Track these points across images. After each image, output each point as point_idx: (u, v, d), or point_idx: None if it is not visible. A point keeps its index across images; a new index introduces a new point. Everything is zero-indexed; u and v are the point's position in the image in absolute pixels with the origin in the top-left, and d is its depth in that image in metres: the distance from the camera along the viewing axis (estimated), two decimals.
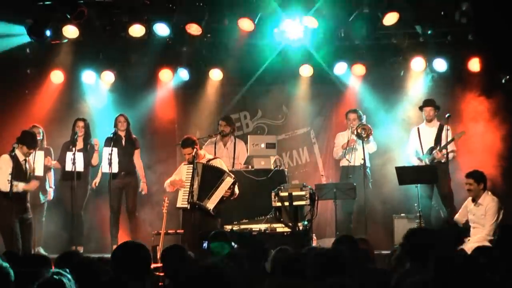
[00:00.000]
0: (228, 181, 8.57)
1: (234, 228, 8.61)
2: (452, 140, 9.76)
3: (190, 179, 8.53)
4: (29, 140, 8.70)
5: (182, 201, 8.60)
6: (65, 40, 10.40)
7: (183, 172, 8.72)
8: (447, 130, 9.74)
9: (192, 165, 8.55)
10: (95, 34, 10.42)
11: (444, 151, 9.79)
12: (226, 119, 10.52)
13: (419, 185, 9.54)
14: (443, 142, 9.87)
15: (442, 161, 9.87)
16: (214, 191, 8.49)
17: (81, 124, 10.22)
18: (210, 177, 8.55)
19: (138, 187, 10.31)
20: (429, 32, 10.25)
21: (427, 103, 10.23)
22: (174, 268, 5.25)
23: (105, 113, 10.95)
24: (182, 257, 5.39)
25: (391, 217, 10.32)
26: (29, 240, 8.80)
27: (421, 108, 10.25)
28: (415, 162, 10.14)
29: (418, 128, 10.30)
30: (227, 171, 8.79)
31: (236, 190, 8.73)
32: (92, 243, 10.55)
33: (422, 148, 10.19)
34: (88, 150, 10.19)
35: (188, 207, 8.52)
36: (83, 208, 10.24)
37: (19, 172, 8.63)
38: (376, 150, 10.51)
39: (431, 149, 10.03)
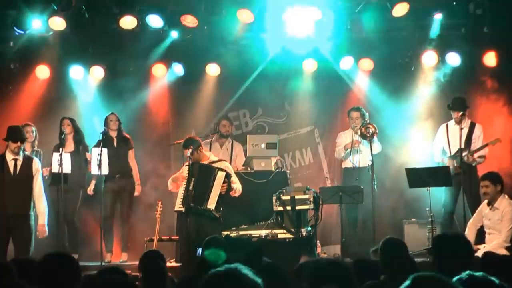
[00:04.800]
0: (220, 175, 8.31)
1: (232, 234, 8.46)
2: (485, 146, 9.59)
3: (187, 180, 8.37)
4: (12, 134, 8.40)
5: (179, 204, 8.35)
6: (51, 33, 10.18)
7: (185, 173, 8.52)
8: (480, 132, 9.66)
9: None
10: (83, 26, 10.25)
11: (475, 154, 9.58)
12: (228, 119, 10.48)
13: (446, 188, 9.39)
14: (473, 143, 9.66)
15: (473, 164, 9.66)
16: (211, 191, 8.24)
17: (66, 122, 9.97)
18: (204, 177, 8.30)
19: (134, 191, 10.10)
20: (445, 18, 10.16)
21: (454, 106, 9.74)
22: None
23: (94, 111, 10.74)
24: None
25: (400, 222, 10.19)
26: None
27: (449, 107, 9.91)
28: (440, 161, 9.83)
29: (447, 125, 9.96)
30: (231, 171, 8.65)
31: (234, 185, 8.47)
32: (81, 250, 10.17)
33: (449, 148, 9.84)
34: (80, 153, 9.94)
35: (183, 210, 8.25)
36: (76, 214, 9.99)
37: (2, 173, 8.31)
38: (384, 149, 10.31)
39: (460, 151, 9.58)
